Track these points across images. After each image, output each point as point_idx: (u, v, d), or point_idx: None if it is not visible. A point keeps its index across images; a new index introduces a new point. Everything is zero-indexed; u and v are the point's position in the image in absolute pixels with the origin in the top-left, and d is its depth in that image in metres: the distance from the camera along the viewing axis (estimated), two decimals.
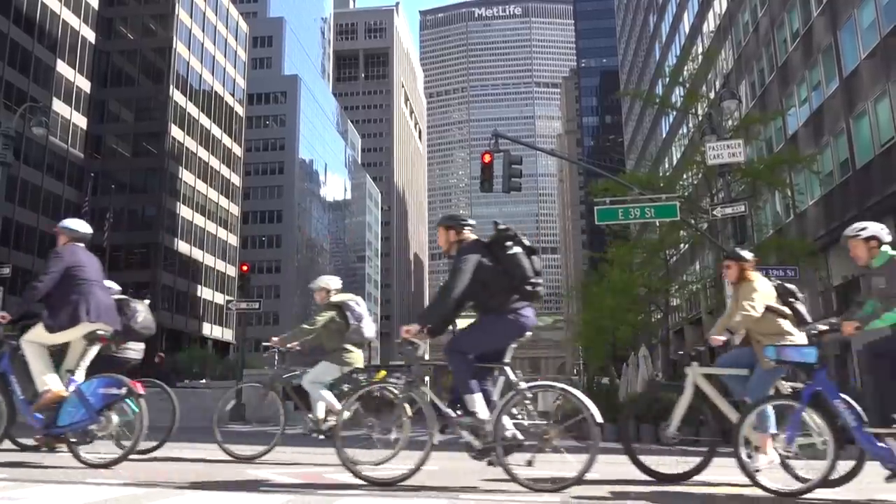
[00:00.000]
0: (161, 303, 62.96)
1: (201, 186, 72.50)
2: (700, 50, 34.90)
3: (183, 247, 68.25)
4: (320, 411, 6.66)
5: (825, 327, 4.92)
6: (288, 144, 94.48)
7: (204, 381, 41.68)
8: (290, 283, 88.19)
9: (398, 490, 4.63)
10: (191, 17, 71.11)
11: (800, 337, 5.50)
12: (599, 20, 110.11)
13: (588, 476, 4.60)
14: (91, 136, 62.59)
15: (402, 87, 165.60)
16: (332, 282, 7.23)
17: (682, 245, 31.11)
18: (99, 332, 5.61)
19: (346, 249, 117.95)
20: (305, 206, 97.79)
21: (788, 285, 5.76)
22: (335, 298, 7.01)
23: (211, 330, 74.05)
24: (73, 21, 59.77)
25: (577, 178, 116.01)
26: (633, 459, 5.45)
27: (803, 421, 4.67)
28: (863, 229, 4.88)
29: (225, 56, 79.16)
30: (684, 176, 26.54)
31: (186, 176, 69.37)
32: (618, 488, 4.97)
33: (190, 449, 7.31)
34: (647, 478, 5.35)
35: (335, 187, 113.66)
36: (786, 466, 4.95)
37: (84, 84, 61.43)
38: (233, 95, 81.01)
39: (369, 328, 6.82)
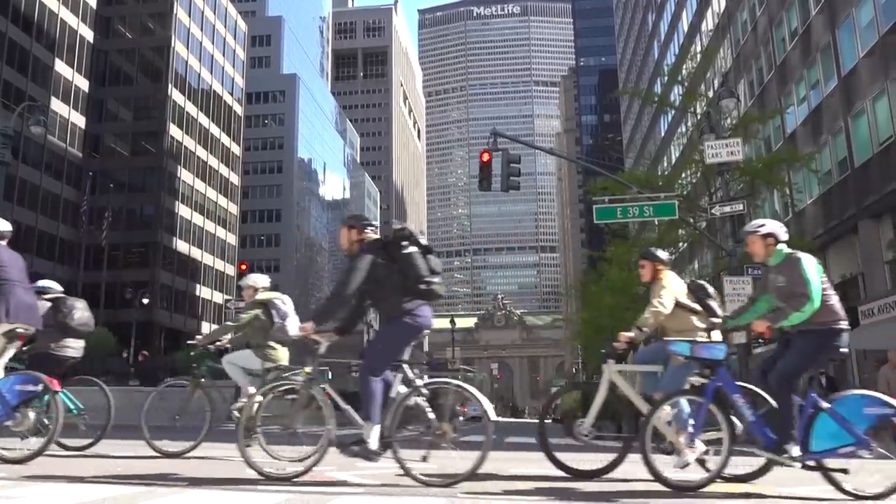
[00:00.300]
0: (160, 302, 62.95)
1: (200, 185, 72.46)
2: (699, 49, 34.88)
3: (182, 246, 68.22)
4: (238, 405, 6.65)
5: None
6: (287, 143, 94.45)
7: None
8: (288, 282, 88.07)
9: (396, 489, 4.64)
10: (189, 16, 71.05)
11: (715, 334, 5.62)
12: (598, 19, 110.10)
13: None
14: (89, 135, 62.56)
15: (401, 85, 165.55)
16: (260, 280, 7.29)
17: (680, 244, 31.14)
18: (18, 331, 5.65)
19: None
20: (304, 205, 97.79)
21: (701, 282, 5.91)
22: (261, 296, 7.06)
23: (210, 329, 74.01)
24: (72, 20, 59.73)
25: (576, 176, 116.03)
26: (549, 456, 5.54)
27: (710, 416, 4.77)
28: (761, 226, 5.03)
29: (223, 55, 79.11)
30: (683, 175, 26.58)
31: (185, 175, 69.32)
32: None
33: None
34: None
35: (334, 186, 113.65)
36: (701, 462, 5.01)
37: (82, 83, 61.40)
38: (231, 94, 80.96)
39: (293, 326, 6.82)
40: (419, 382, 4.79)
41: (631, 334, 5.63)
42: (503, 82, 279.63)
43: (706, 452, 4.88)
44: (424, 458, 4.71)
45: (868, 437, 4.58)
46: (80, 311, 6.70)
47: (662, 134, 47.66)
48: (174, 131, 67.18)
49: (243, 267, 26.14)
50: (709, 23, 38.24)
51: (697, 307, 5.77)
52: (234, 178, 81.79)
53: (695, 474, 4.90)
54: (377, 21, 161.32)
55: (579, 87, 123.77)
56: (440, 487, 4.57)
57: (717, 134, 17.46)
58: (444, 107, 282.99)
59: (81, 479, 4.69)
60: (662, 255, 6.10)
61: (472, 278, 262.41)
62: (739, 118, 23.18)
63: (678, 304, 5.75)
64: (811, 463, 4.65)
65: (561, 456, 5.51)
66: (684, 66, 26.81)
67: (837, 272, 23.87)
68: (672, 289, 5.79)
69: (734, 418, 4.76)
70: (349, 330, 5.12)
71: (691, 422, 4.90)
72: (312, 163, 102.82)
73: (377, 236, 5.08)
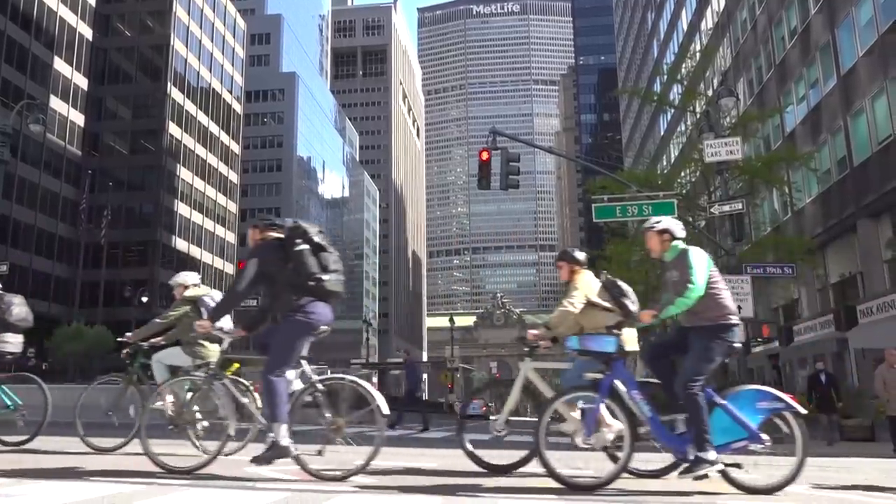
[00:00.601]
0: (159, 300, 62.87)
1: (199, 184, 72.42)
2: (698, 47, 34.89)
3: (181, 244, 68.18)
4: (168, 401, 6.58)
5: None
6: (286, 142, 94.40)
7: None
8: None
9: (394, 488, 4.64)
10: (188, 15, 70.96)
11: (628, 330, 5.70)
12: (598, 17, 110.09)
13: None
14: (88, 133, 62.51)
15: (401, 84, 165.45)
16: (190, 278, 7.35)
17: None
18: None
19: (345, 247, 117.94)
20: (303, 204, 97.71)
21: (615, 280, 5.90)
22: (190, 293, 7.10)
23: None
24: (71, 18, 59.67)
25: (576, 175, 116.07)
26: (466, 451, 5.64)
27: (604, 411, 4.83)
28: (658, 222, 5.14)
29: (223, 53, 79.03)
30: (682, 173, 26.58)
31: (184, 173, 69.27)
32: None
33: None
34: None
35: (333, 185, 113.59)
36: (613, 458, 5.04)
37: (81, 81, 61.34)
38: (230, 93, 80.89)
39: (225, 323, 6.87)
40: (315, 379, 4.91)
41: (539, 332, 5.82)
42: (502, 81, 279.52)
43: (611, 448, 4.91)
44: (320, 453, 4.81)
45: (761, 431, 4.63)
46: (18, 307, 6.82)
47: (662, 133, 47.66)
48: (173, 129, 67.13)
49: (242, 266, 26.05)
50: (708, 21, 38.23)
51: (607, 305, 5.80)
52: (234, 177, 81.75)
53: (594, 471, 4.91)
54: (376, 19, 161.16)
55: (579, 85, 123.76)
56: (334, 481, 4.68)
57: (717, 133, 17.46)
58: (443, 105, 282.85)
59: (80, 477, 4.69)
60: (579, 255, 6.27)
61: (472, 277, 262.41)
62: (739, 117, 23.19)
63: (590, 303, 5.86)
64: None
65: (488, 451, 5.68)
66: (684, 65, 26.82)
67: (836, 271, 23.89)
68: (584, 289, 5.94)
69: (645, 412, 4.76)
70: (255, 327, 5.25)
71: (593, 420, 4.92)
72: (311, 161, 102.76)
73: (278, 235, 5.16)
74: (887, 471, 8.04)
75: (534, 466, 4.89)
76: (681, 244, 5.06)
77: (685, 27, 43.32)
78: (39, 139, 51.68)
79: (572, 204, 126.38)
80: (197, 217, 71.77)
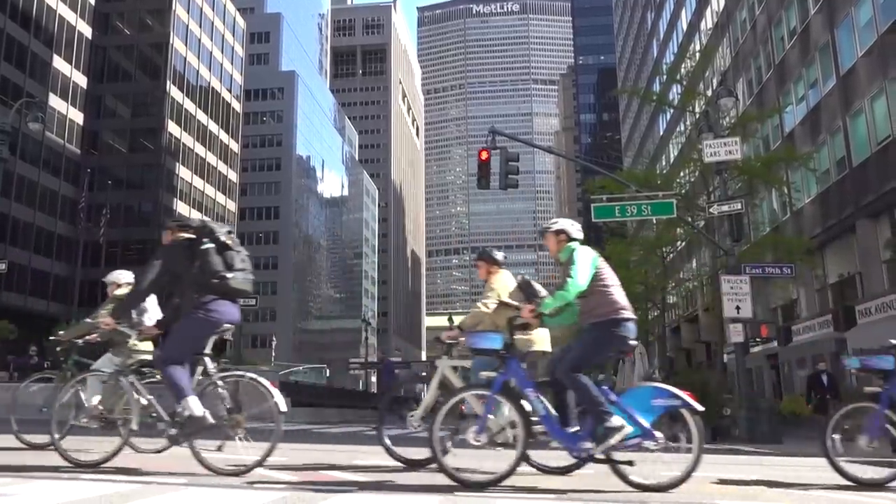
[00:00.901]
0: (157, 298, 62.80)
1: (198, 182, 72.40)
2: (697, 47, 34.90)
3: None
4: (94, 400, 6.49)
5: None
6: (285, 141, 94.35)
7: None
8: (287, 280, 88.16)
9: (391, 487, 4.64)
10: (188, 13, 70.92)
11: (540, 331, 5.89)
12: (597, 17, 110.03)
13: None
14: (87, 131, 62.46)
15: (400, 83, 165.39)
16: (122, 276, 7.37)
17: (678, 243, 31.16)
18: None
19: (344, 246, 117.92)
20: (302, 203, 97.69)
21: (529, 279, 6.10)
22: (120, 292, 7.10)
23: None
24: (70, 16, 59.61)
25: (575, 175, 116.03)
26: (385, 447, 5.77)
27: (497, 409, 4.89)
28: (555, 223, 5.31)
29: (222, 52, 78.99)
30: (681, 173, 26.59)
31: (183, 172, 69.26)
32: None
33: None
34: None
35: (332, 184, 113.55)
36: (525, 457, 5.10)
37: (80, 79, 61.28)
38: (230, 91, 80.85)
39: (151, 321, 6.81)
40: (216, 374, 5.02)
41: (453, 333, 6.01)
42: (502, 80, 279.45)
43: (503, 445, 4.96)
44: (219, 448, 4.95)
45: (655, 428, 4.66)
46: None
47: (661, 133, 47.67)
48: (172, 128, 67.10)
49: None
50: (708, 21, 38.24)
51: (519, 305, 5.87)
52: (233, 176, 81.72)
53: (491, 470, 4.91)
54: (376, 18, 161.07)
55: (578, 85, 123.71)
56: (232, 476, 4.74)
57: (716, 133, 17.45)
58: (442, 104, 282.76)
59: (78, 477, 4.69)
60: (497, 255, 6.42)
61: (471, 276, 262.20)
62: (738, 117, 23.19)
63: (503, 304, 5.96)
64: (601, 455, 4.71)
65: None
66: (683, 65, 26.81)
67: (835, 271, 23.90)
68: (499, 289, 6.06)
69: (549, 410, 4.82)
70: (166, 324, 5.41)
71: (485, 417, 4.95)
72: (311, 160, 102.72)
73: (189, 235, 5.29)
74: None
75: (466, 462, 4.92)
76: (575, 245, 5.13)
77: (685, 27, 43.32)
78: (38, 137, 51.66)
79: (571, 204, 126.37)
80: (196, 216, 71.74)
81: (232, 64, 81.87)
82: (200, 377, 5.09)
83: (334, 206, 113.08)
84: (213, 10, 76.74)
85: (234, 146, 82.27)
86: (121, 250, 60.52)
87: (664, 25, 50.17)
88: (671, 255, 33.08)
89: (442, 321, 69.61)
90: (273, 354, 70.61)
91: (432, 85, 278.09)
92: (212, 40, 76.24)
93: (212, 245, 5.13)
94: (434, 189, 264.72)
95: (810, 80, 24.90)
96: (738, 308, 15.32)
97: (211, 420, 4.84)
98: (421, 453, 5.62)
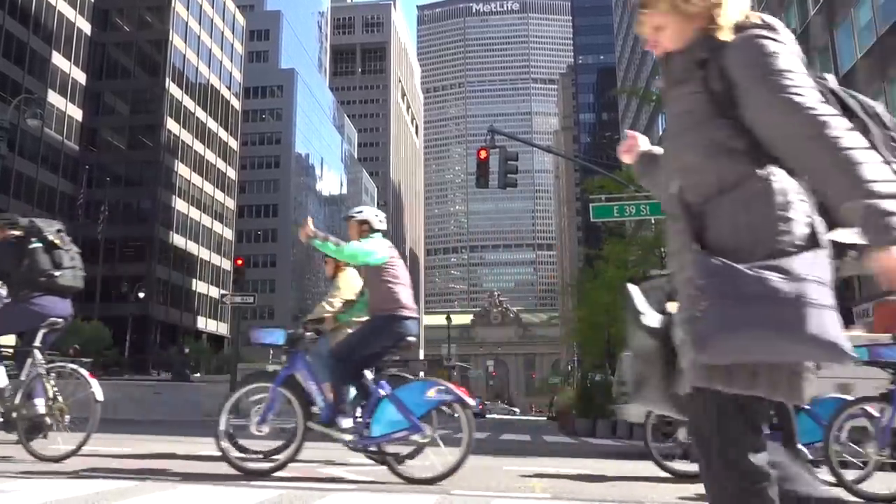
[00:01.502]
0: (156, 296, 62.87)
1: (197, 180, 72.36)
2: None
3: (178, 240, 68.14)
4: None
5: None
6: (284, 139, 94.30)
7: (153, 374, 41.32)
8: (285, 278, 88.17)
9: (389, 486, 4.65)
10: (187, 10, 70.86)
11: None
12: (597, 17, 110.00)
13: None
14: (86, 128, 62.40)
15: (399, 81, 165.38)
16: None
17: None
18: None
19: None
20: (301, 201, 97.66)
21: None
22: None
23: (206, 324, 74.00)
24: (69, 12, 59.53)
25: (574, 174, 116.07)
26: (231, 440, 5.79)
27: (280, 401, 5.03)
28: (359, 212, 5.42)
29: (221, 49, 78.93)
30: None
31: (182, 169, 69.22)
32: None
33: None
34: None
35: (331, 182, 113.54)
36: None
37: (79, 76, 61.20)
38: (229, 89, 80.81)
39: None
40: (42, 365, 5.20)
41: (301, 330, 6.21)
42: (501, 79, 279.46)
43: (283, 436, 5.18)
44: (45, 436, 5.13)
45: (426, 422, 4.77)
46: None
47: (660, 133, 47.60)
48: (171, 125, 67.06)
49: (239, 262, 26.20)
50: None
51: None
52: (231, 173, 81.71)
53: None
54: (376, 17, 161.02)
55: (578, 84, 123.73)
56: (52, 462, 4.95)
57: None
58: (442, 103, 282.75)
59: (76, 474, 4.68)
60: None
61: (469, 275, 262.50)
62: None
63: (348, 302, 6.11)
64: (373, 448, 4.83)
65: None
66: None
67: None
68: (344, 288, 6.20)
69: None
70: None
71: (267, 409, 5.05)
72: (310, 158, 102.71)
73: (17, 233, 5.51)
74: None
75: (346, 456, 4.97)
76: (376, 235, 5.28)
77: None
78: (37, 134, 51.61)
79: (570, 203, 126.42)
80: (194, 213, 71.73)
81: (231, 61, 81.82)
82: (30, 369, 5.25)
83: (333, 203, 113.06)
84: (212, 8, 76.67)
85: (233, 144, 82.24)
86: (119, 247, 60.54)
87: None
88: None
89: (441, 320, 69.64)
90: (271, 352, 70.57)
91: (432, 83, 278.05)
92: (211, 37, 76.18)
93: (39, 244, 5.35)
94: (433, 188, 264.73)
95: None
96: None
97: (39, 410, 5.04)
98: (264, 445, 5.66)
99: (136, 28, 67.73)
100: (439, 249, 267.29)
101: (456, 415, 4.82)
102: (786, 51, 1.67)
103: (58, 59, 57.89)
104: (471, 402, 4.84)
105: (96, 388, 5.08)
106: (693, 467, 5.29)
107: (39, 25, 55.57)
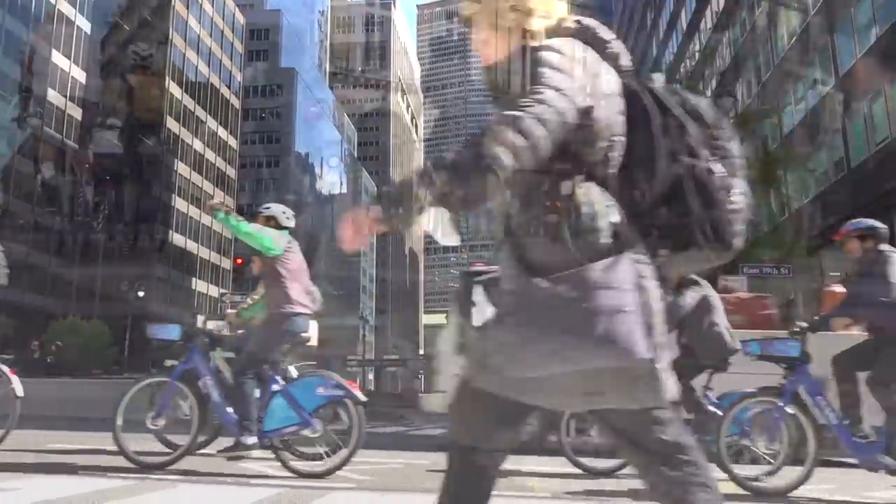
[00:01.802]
0: (155, 295, 62.80)
1: (196, 179, 72.26)
2: (697, 47, 34.88)
3: (178, 239, 68.07)
4: None
5: None
6: (284, 138, 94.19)
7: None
8: None
9: (388, 485, 4.65)
10: (187, 9, 70.75)
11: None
12: (597, 16, 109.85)
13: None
14: (86, 127, 62.26)
15: (399, 81, 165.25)
16: None
17: None
18: None
19: None
20: (301, 200, 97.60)
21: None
22: None
23: (204, 322, 73.83)
24: (69, 11, 59.43)
25: None
26: (159, 438, 5.86)
27: (176, 395, 5.09)
28: (267, 208, 5.45)
29: (221, 48, 78.82)
30: None
31: (182, 168, 69.13)
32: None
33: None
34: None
35: (331, 181, 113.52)
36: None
37: (79, 75, 61.10)
38: (229, 88, 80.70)
39: None
40: None
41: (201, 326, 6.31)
42: None
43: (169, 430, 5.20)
44: None
45: (318, 417, 4.83)
46: None
47: None
48: (171, 124, 66.96)
49: (239, 261, 26.24)
50: (708, 21, 38.20)
51: None
52: (231, 172, 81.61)
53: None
54: (376, 16, 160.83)
55: None
56: None
57: None
58: (442, 102, 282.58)
59: (75, 472, 4.69)
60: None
61: None
62: (737, 117, 23.19)
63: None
64: (268, 442, 4.86)
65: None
66: (682, 65, 26.80)
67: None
68: None
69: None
70: None
71: (163, 403, 5.10)
72: (309, 157, 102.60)
73: None
74: None
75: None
76: (285, 233, 5.29)
77: (684, 27, 43.29)
78: (37, 132, 51.53)
79: None
80: (194, 212, 71.63)
81: (231, 60, 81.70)
82: None
83: (332, 203, 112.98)
84: (212, 7, 76.56)
85: (233, 143, 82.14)
86: (118, 246, 60.45)
87: (664, 25, 50.13)
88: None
89: (440, 319, 69.58)
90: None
91: (432, 82, 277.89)
92: (211, 36, 76.07)
93: None
94: None
95: (809, 80, 24.90)
96: None
97: None
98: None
99: (136, 27, 67.60)
100: (439, 248, 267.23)
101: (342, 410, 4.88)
102: (558, 61, 1.72)
103: (58, 58, 57.79)
104: (361, 397, 4.89)
105: (17, 385, 5.13)
106: (606, 463, 5.36)
107: (39, 24, 55.45)
